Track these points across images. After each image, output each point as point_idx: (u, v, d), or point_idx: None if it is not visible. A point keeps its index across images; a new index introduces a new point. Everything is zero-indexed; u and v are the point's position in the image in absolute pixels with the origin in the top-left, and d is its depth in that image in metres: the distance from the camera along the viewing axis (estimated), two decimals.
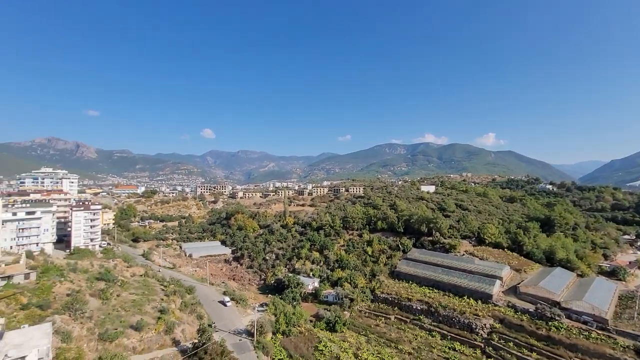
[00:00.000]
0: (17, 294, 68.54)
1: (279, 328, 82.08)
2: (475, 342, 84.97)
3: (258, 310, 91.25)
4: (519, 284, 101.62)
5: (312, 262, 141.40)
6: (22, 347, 48.98)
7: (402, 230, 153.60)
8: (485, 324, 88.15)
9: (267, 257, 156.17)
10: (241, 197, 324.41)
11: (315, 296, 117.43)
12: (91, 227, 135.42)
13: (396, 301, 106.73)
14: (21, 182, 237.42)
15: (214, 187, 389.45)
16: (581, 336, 77.13)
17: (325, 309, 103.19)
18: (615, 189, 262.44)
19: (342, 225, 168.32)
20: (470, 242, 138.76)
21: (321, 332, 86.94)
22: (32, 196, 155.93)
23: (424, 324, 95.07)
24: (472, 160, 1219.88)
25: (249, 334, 78.28)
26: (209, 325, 75.86)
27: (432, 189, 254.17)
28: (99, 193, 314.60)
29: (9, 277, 73.05)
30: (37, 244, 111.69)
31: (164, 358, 62.82)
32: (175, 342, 70.11)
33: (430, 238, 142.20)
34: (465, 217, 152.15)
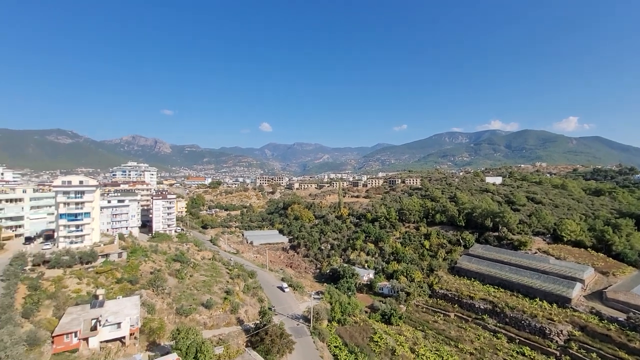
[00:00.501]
0: (112, 269, 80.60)
1: (335, 316, 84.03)
2: (549, 348, 77.08)
3: (314, 298, 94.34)
4: (605, 288, 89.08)
5: (367, 254, 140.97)
6: (118, 315, 57.71)
7: (463, 225, 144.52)
8: (561, 330, 79.34)
9: (323, 247, 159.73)
10: (297, 188, 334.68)
11: (370, 288, 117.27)
12: (168, 214, 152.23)
13: (456, 298, 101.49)
14: (113, 175, 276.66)
15: (272, 179, 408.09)
16: None
17: (380, 301, 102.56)
18: None
19: (397, 217, 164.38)
20: (544, 240, 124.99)
21: (376, 324, 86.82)
22: (122, 187, 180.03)
23: (488, 324, 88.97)
24: (547, 148, 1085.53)
25: (306, 319, 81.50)
26: (269, 309, 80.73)
27: (498, 180, 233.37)
28: (173, 184, 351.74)
29: (107, 256, 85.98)
30: (126, 227, 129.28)
31: (230, 335, 68.76)
32: (240, 321, 76.21)
33: (496, 233, 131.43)
34: (538, 212, 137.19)
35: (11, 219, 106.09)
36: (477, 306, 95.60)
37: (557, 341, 78.29)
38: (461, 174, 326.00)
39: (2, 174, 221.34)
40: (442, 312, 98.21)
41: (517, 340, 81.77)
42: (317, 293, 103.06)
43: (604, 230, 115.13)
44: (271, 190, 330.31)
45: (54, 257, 77.32)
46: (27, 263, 74.44)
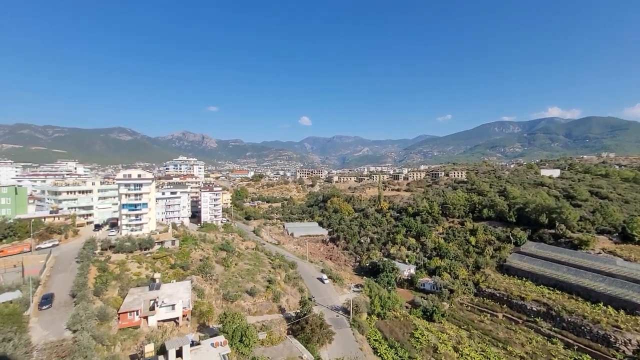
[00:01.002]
0: (167, 256, 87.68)
1: (374, 310, 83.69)
2: (613, 358, 69.86)
3: (353, 291, 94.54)
4: None
5: (408, 248, 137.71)
6: (172, 297, 62.74)
7: (514, 220, 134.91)
8: (629, 340, 71.35)
9: (362, 241, 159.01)
10: (336, 181, 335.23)
11: (411, 283, 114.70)
12: (214, 205, 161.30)
13: (505, 298, 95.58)
14: (166, 168, 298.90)
15: (312, 172, 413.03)
16: None
17: (422, 297, 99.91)
18: None
19: (440, 211, 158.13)
20: (610, 239, 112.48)
21: (417, 320, 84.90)
22: (174, 179, 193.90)
23: (542, 327, 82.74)
24: (616, 136, 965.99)
25: (345, 311, 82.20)
26: (309, 299, 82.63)
27: (556, 173, 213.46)
28: (219, 177, 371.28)
29: (162, 243, 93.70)
30: (178, 217, 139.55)
31: (272, 322, 71.71)
32: (281, 310, 79.03)
33: (553, 231, 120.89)
34: (604, 208, 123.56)
35: (83, 208, 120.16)
36: (528, 308, 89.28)
37: (624, 351, 70.66)
38: (512, 166, 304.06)
39: (75, 168, 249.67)
40: (489, 311, 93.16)
41: (576, 347, 75.10)
42: (357, 286, 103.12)
43: None
44: (311, 183, 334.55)
45: (118, 242, 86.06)
46: (97, 247, 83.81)
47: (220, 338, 52.27)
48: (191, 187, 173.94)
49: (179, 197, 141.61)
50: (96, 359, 41.49)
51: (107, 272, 73.10)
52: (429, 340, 72.98)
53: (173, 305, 60.66)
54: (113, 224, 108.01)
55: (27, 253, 79.49)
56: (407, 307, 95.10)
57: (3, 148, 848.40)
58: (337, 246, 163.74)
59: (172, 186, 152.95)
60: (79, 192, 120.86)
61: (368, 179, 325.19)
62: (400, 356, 66.60)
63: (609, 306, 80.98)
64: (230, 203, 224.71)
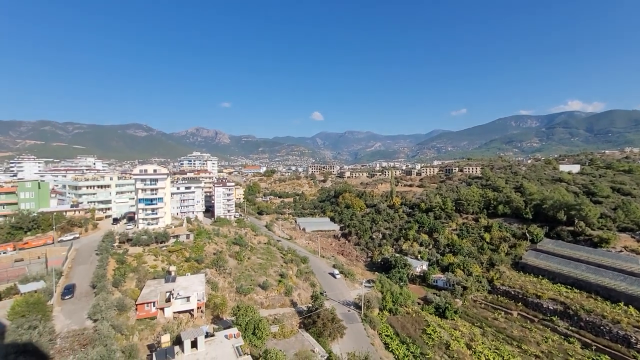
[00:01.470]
0: (182, 249, 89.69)
1: (386, 305, 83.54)
2: (634, 359, 67.88)
3: (365, 286, 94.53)
4: None
5: (420, 245, 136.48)
6: (187, 289, 64.20)
7: (530, 217, 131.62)
8: None
9: (374, 236, 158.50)
10: (348, 177, 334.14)
11: (423, 279, 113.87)
12: (227, 200, 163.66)
13: (520, 296, 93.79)
14: (180, 164, 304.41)
15: (323, 167, 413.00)
16: None
17: (434, 293, 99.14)
18: None
19: (454, 207, 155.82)
20: (633, 237, 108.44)
21: (429, 317, 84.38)
22: (188, 175, 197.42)
23: (558, 326, 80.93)
24: None
25: (357, 306, 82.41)
26: (321, 293, 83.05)
27: (575, 168, 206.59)
28: (232, 172, 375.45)
29: (177, 237, 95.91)
30: (192, 212, 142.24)
31: (284, 315, 72.60)
32: (293, 304, 79.85)
33: (571, 228, 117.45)
34: (626, 205, 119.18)
35: (102, 202, 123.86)
36: (545, 306, 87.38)
37: None
38: (529, 161, 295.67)
39: (94, 164, 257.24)
40: (504, 309, 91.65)
41: (594, 347, 73.21)
42: (368, 281, 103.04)
43: None
44: (322, 178, 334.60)
45: (135, 236, 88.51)
46: (115, 240, 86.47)
47: (234, 330, 53.27)
48: (205, 182, 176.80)
49: (193, 192, 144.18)
50: (115, 347, 43.00)
51: (125, 265, 75.40)
52: (441, 337, 72.48)
53: (188, 298, 62.12)
54: (130, 218, 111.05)
55: (50, 245, 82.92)
56: (419, 304, 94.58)
57: (26, 144, 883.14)
58: (349, 241, 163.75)
59: (186, 181, 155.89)
60: (98, 186, 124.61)
61: (380, 175, 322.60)
62: (412, 352, 66.41)
63: (630, 306, 78.40)
64: (243, 198, 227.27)
